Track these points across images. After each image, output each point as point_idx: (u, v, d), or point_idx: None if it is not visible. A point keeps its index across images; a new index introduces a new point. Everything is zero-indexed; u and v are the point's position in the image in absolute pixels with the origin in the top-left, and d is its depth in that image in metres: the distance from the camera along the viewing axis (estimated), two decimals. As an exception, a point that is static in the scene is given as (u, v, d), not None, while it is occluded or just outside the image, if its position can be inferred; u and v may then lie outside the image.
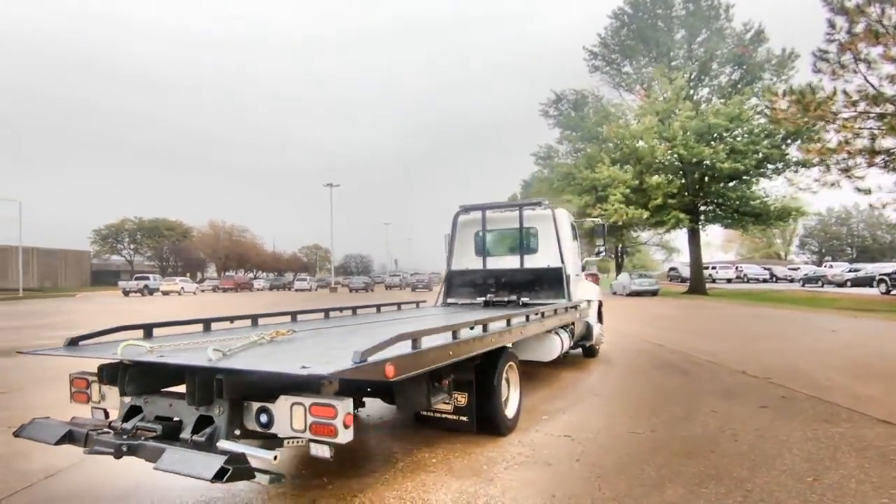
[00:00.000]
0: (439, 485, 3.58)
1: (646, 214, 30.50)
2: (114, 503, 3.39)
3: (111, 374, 3.09)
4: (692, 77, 33.86)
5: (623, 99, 36.29)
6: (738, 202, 31.00)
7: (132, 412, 3.08)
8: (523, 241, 8.34)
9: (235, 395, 2.74)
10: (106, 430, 2.98)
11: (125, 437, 2.81)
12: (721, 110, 29.14)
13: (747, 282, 48.17)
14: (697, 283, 33.18)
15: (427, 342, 3.35)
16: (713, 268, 50.05)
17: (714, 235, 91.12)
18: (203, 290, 55.03)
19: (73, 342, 3.59)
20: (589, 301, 9.00)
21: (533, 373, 7.82)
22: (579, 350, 9.13)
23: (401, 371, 2.85)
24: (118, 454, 2.69)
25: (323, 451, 2.70)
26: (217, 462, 2.41)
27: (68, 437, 2.88)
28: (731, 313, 18.86)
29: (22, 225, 53.53)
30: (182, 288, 47.14)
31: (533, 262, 8.28)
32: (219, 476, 2.35)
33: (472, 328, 4.07)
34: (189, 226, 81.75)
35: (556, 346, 6.77)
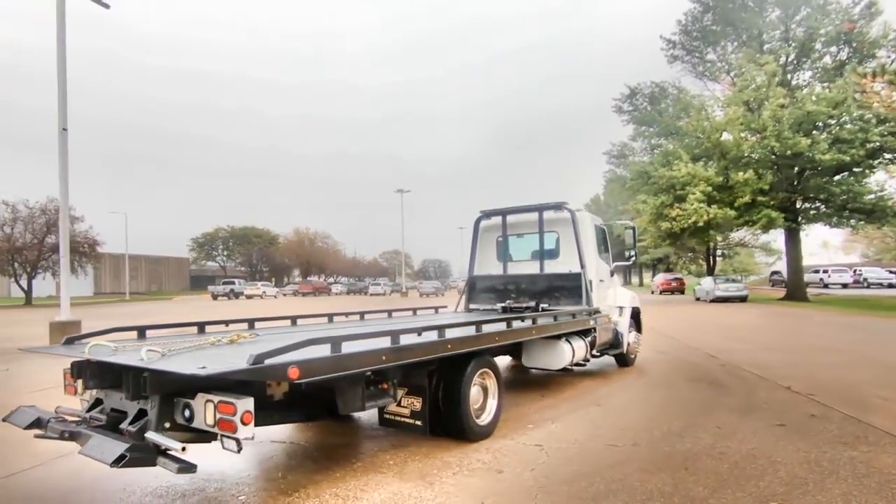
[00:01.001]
0: (381, 486, 3.78)
1: (732, 214, 28.55)
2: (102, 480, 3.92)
3: (79, 370, 3.59)
4: (789, 61, 31.29)
5: (708, 88, 34.33)
6: (845, 198, 28.13)
7: (97, 404, 3.57)
8: (543, 246, 8.30)
9: (163, 392, 3.11)
10: (76, 418, 3.48)
11: (80, 425, 3.28)
12: (824, 96, 26.62)
13: (867, 287, 43.45)
14: (796, 288, 30.49)
15: (356, 346, 3.57)
16: (824, 271, 45.78)
17: (832, 236, 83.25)
18: (285, 294, 58.57)
19: (69, 341, 4.18)
20: (621, 308, 8.77)
21: (547, 380, 7.79)
22: (612, 359, 8.92)
23: (308, 374, 3.09)
24: (61, 438, 3.15)
25: (231, 446, 2.99)
26: (119, 448, 2.78)
27: (36, 423, 3.41)
28: (820, 322, 17.26)
29: (131, 236, 59.60)
30: (264, 292, 50.57)
31: (554, 267, 8.22)
32: (117, 461, 2.73)
33: (419, 334, 4.23)
34: (276, 233, 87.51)
35: (564, 354, 6.71)
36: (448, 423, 4.68)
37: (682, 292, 43.52)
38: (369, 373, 3.85)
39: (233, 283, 51.04)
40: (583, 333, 7.40)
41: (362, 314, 7.27)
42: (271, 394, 3.72)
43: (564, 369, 7.51)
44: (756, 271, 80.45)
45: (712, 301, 30.27)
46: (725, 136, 29.41)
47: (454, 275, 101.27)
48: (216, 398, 2.96)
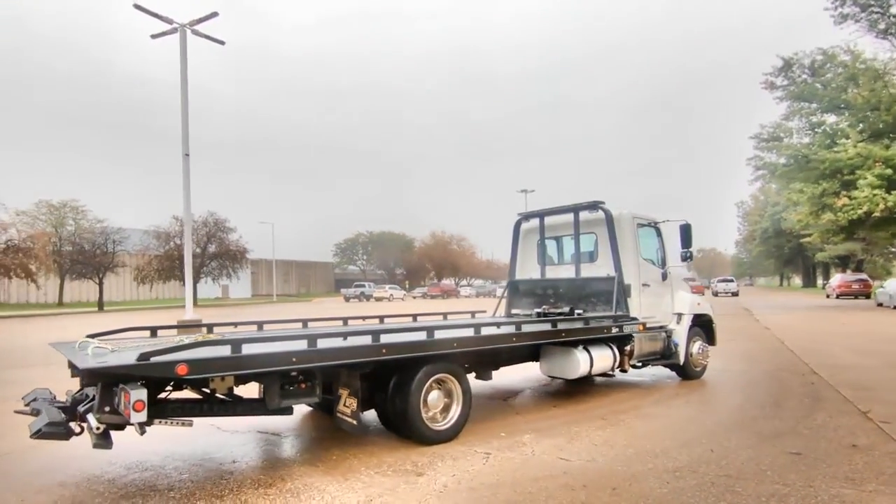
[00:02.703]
0: (301, 476, 4.21)
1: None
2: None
3: (70, 363, 4.55)
4: None
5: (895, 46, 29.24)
6: None
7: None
8: (578, 248, 8.09)
9: (102, 382, 3.85)
10: (59, 401, 4.42)
11: (53, 404, 4.19)
12: None
13: None
14: None
15: (264, 348, 4.06)
16: None
17: None
18: (414, 297, 61.70)
19: (90, 337, 5.25)
20: (679, 315, 8.22)
21: (580, 389, 7.62)
22: (673, 372, 8.36)
23: (198, 371, 3.63)
24: (31, 414, 4.07)
25: (136, 429, 3.65)
26: (39, 424, 3.58)
27: (32, 403, 4.41)
28: None
29: (285, 242, 67.23)
30: (391, 295, 53.92)
31: (592, 270, 7.97)
32: (35, 433, 3.52)
33: (345, 338, 4.58)
34: (412, 237, 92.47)
35: (578, 363, 6.56)
36: (398, 425, 4.98)
37: (868, 296, 37.46)
38: (295, 372, 4.32)
39: (363, 286, 55.28)
40: (613, 341, 7.13)
41: (381, 318, 7.78)
42: (213, 388, 4.38)
43: (584, 379, 7.32)
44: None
45: None
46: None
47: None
48: (123, 388, 3.64)
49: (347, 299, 52.63)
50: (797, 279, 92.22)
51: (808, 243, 47.31)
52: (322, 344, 4.29)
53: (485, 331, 5.54)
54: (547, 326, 6.29)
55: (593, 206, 7.82)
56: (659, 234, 8.37)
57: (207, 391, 4.36)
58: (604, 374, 7.48)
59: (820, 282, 70.01)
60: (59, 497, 3.90)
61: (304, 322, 6.82)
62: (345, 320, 7.25)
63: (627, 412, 6.31)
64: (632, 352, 7.29)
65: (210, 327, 6.25)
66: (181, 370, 3.55)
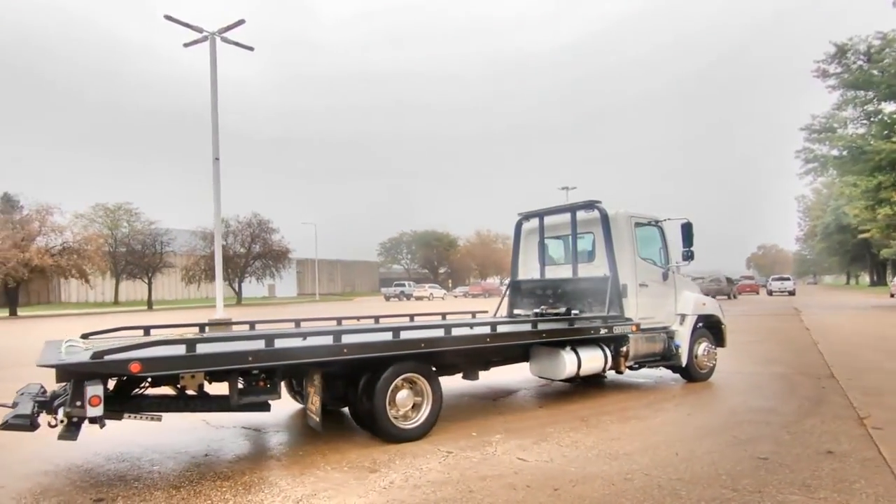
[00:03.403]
0: (258, 470, 4.46)
1: None
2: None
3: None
4: None
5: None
6: None
7: None
8: (576, 248, 8.06)
9: (75, 378, 4.17)
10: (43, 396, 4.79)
11: (34, 398, 4.55)
12: None
13: None
14: None
15: (219, 347, 4.30)
16: None
17: None
18: (455, 296, 61.92)
19: (85, 336, 5.66)
20: (682, 316, 8.07)
21: (578, 390, 7.60)
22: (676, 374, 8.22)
23: (151, 369, 3.91)
24: (10, 407, 4.44)
25: (94, 423, 3.95)
26: (9, 416, 3.93)
27: (20, 397, 4.80)
28: None
29: (331, 241, 69.02)
30: (431, 294, 54.32)
31: (590, 270, 7.93)
32: (2, 426, 3.87)
33: (304, 339, 4.78)
34: (456, 236, 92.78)
35: (564, 364, 6.59)
36: (367, 423, 5.15)
37: (938, 295, 35.21)
38: (256, 371, 4.56)
39: (403, 285, 56.00)
40: (605, 342, 7.09)
41: (377, 318, 7.96)
42: (183, 386, 4.67)
43: (571, 380, 7.30)
44: None
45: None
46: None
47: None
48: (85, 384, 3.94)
49: (388, 298, 53.44)
50: (865, 277, 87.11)
51: (871, 239, 44.73)
52: (280, 344, 4.51)
53: (455, 332, 5.64)
54: (526, 327, 6.32)
55: (589, 205, 7.78)
56: (662, 233, 8.24)
57: (178, 388, 4.65)
58: (596, 376, 7.44)
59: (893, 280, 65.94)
60: (37, 484, 4.26)
61: (297, 322, 7.09)
62: (339, 320, 7.48)
63: (612, 414, 6.27)
64: (627, 353, 7.23)
65: (202, 327, 6.61)
66: (134, 368, 3.83)
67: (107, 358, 3.84)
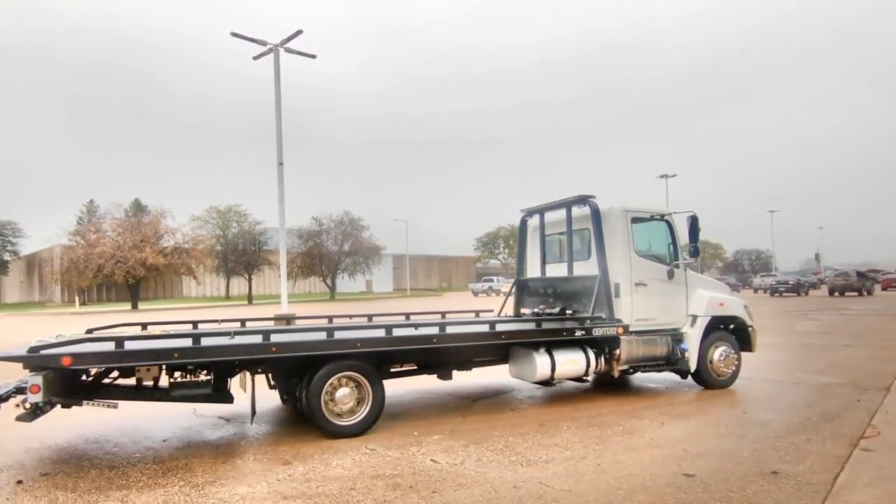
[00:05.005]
0: (189, 455, 4.92)
1: None
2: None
3: None
4: None
5: None
6: None
7: None
8: (571, 245, 7.84)
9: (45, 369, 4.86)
10: None
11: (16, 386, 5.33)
12: None
13: None
14: None
15: (149, 344, 4.81)
16: None
17: None
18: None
19: (89, 332, 6.51)
20: (693, 317, 7.60)
21: (568, 395, 7.50)
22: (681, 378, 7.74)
23: (81, 363, 4.48)
24: None
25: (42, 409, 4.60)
26: None
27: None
28: None
29: (427, 236, 70.90)
30: (518, 289, 53.76)
31: (585, 269, 7.69)
32: None
33: (232, 336, 5.16)
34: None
35: (535, 366, 6.52)
36: (307, 417, 5.48)
37: None
38: (192, 366, 5.06)
39: (491, 280, 56.08)
40: (591, 345, 6.89)
41: (370, 317, 8.26)
42: (140, 377, 5.27)
43: (546, 383, 7.14)
44: None
45: None
46: None
47: (780, 267, 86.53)
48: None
49: (476, 294, 53.87)
50: None
51: None
52: (207, 342, 4.96)
53: (397, 332, 5.80)
54: (485, 328, 6.32)
55: (581, 200, 7.55)
56: (670, 228, 7.77)
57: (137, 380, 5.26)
58: (577, 379, 7.24)
59: None
60: (15, 459, 5.00)
61: (288, 320, 7.60)
62: (329, 318, 7.90)
63: (578, 420, 6.11)
64: (620, 356, 6.96)
65: (244, 322, 7.30)
66: (66, 361, 4.44)
67: (42, 352, 4.48)
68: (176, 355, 4.84)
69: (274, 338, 5.19)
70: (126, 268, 35.38)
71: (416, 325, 6.41)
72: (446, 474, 4.40)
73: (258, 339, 5.17)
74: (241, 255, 45.51)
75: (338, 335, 5.45)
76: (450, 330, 6.05)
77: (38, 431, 5.81)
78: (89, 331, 6.51)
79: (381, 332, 5.77)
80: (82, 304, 44.67)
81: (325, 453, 4.98)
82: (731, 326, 7.98)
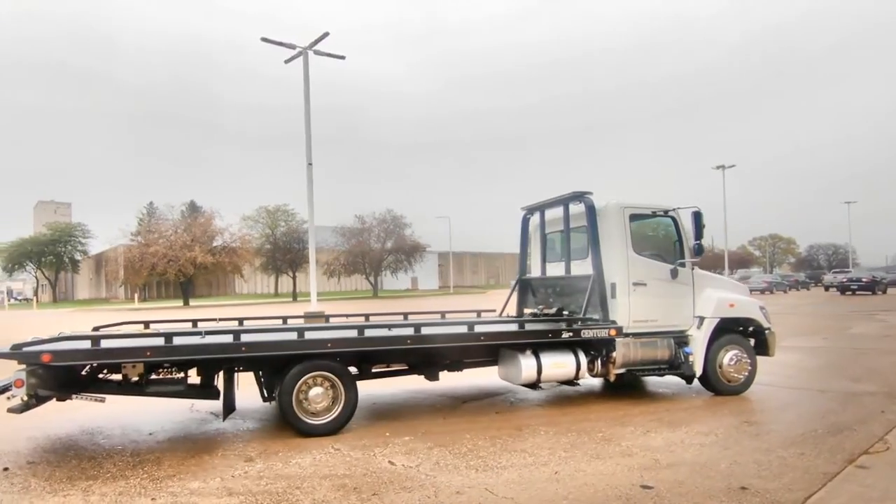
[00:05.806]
0: (166, 449, 5.14)
1: None
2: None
3: None
4: None
5: None
6: None
7: None
8: (569, 244, 7.68)
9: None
10: None
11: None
12: None
13: None
14: None
15: (121, 343, 5.04)
16: None
17: None
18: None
19: (96, 329, 6.87)
20: (700, 319, 7.30)
21: (568, 399, 7.38)
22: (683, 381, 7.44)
23: (60, 359, 4.74)
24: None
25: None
26: None
27: None
28: None
29: (474, 233, 71.27)
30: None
31: (583, 268, 7.51)
32: None
33: (203, 336, 5.32)
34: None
35: (521, 369, 6.44)
36: (282, 415, 5.60)
37: None
38: (167, 364, 5.28)
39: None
40: (581, 347, 6.73)
41: (367, 316, 8.33)
42: (126, 373, 5.53)
43: (534, 386, 7.00)
44: None
45: None
46: None
47: (861, 263, 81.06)
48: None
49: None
50: None
51: None
52: (178, 341, 5.16)
53: (370, 333, 5.84)
54: (462, 329, 6.26)
55: (577, 197, 7.38)
56: (676, 225, 7.47)
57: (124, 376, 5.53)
58: (568, 383, 7.08)
59: None
60: (13, 448, 5.32)
61: (284, 319, 7.79)
62: (326, 318, 8.05)
63: (560, 426, 5.98)
64: (615, 359, 6.77)
65: (241, 321, 7.55)
66: (45, 358, 4.72)
67: (24, 349, 4.77)
68: (148, 353, 5.06)
69: (244, 337, 5.35)
70: (177, 266, 37.16)
71: (389, 326, 6.43)
72: (396, 477, 4.42)
73: (229, 338, 5.33)
74: (286, 254, 46.87)
75: (308, 335, 5.55)
76: (425, 331, 6.04)
77: (43, 422, 6.19)
78: (96, 328, 6.86)
79: (353, 333, 5.83)
80: (141, 300, 47.19)
81: (290, 451, 5.09)
82: (748, 329, 7.62)
